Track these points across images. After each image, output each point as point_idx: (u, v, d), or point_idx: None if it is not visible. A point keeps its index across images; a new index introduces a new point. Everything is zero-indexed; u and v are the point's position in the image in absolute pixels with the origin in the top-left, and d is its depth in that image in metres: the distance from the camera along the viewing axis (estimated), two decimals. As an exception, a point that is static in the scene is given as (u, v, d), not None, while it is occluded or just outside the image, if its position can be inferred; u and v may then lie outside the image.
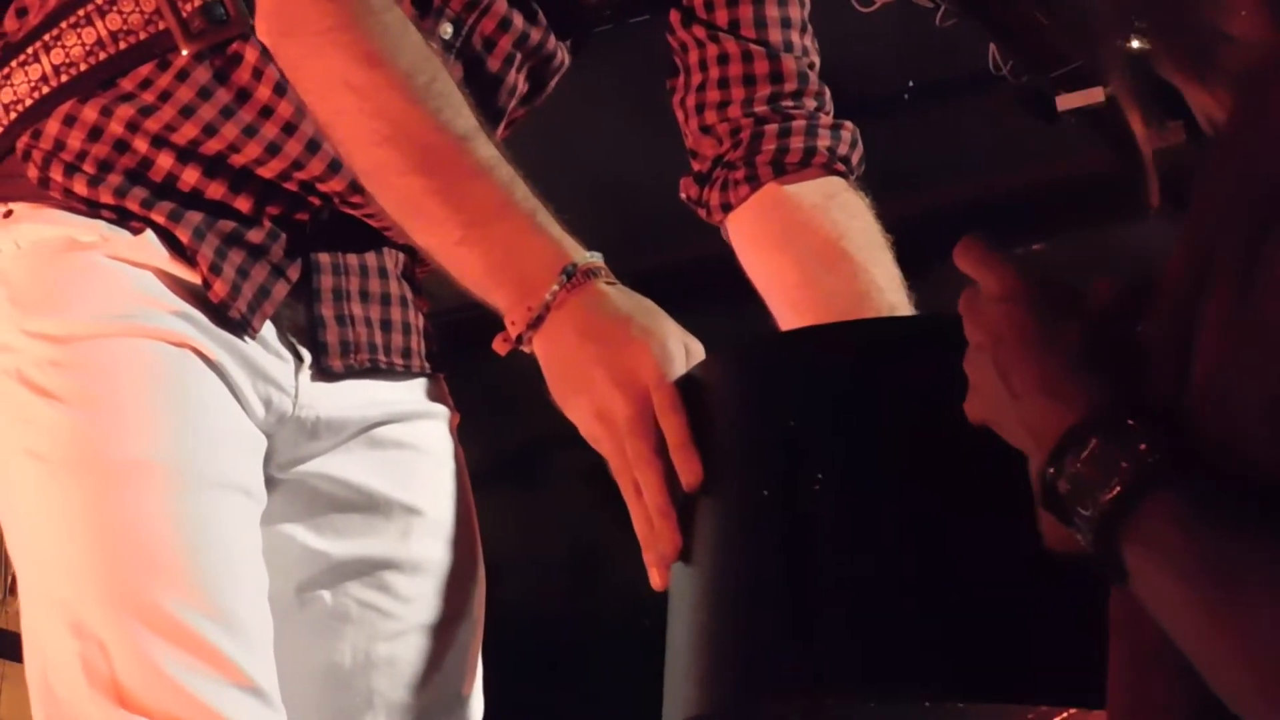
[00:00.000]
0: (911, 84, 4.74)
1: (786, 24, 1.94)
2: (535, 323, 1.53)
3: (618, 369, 1.48)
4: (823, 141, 1.89)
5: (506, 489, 4.80)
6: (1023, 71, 4.61)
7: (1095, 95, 4.56)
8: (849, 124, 1.93)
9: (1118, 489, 1.02)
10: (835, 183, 1.90)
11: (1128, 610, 1.05)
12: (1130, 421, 1.03)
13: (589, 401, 1.49)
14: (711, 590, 1.44)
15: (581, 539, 4.97)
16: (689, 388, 1.48)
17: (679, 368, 1.48)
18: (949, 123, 4.67)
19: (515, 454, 4.99)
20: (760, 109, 1.90)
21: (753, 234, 1.91)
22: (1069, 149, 4.78)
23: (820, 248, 1.86)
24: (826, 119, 1.92)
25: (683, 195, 1.97)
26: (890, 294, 1.82)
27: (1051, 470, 1.06)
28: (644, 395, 1.47)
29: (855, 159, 1.91)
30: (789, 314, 1.87)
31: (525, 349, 1.55)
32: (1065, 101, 4.60)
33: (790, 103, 1.91)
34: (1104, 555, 1.03)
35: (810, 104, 1.92)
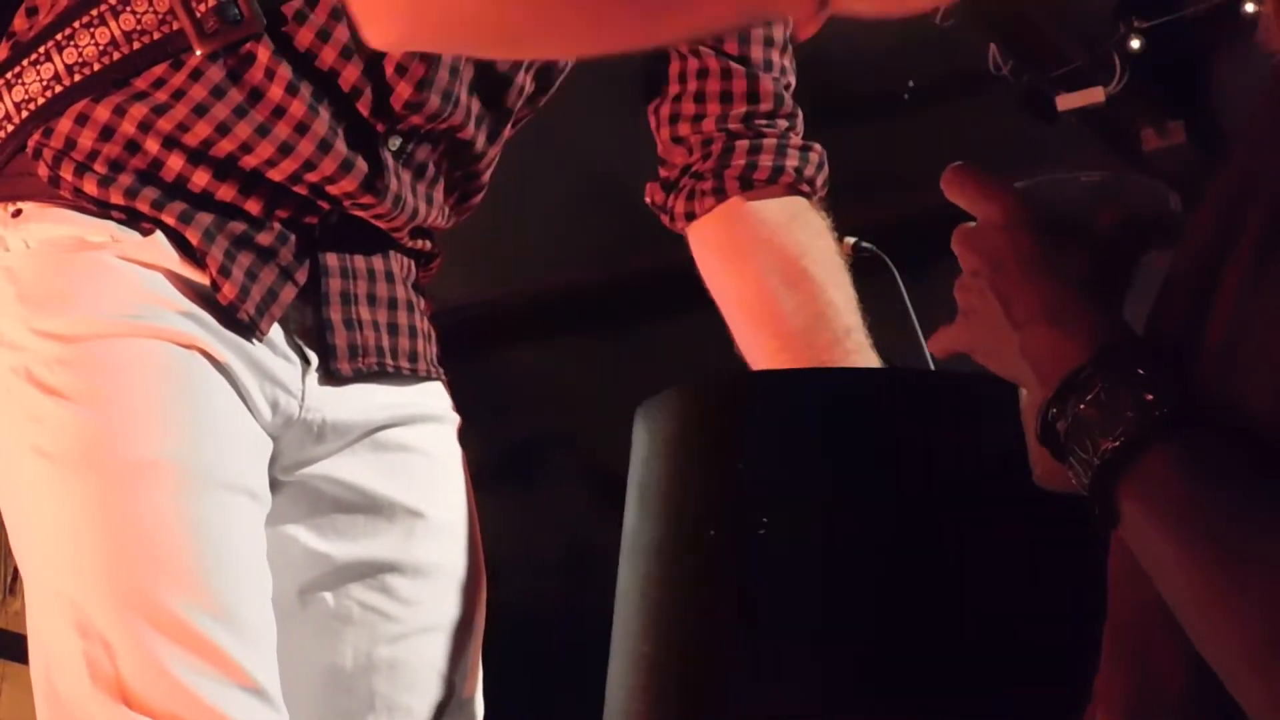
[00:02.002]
0: (911, 84, 4.73)
1: (769, 43, 1.96)
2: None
3: None
4: (791, 162, 1.92)
5: (504, 490, 4.80)
6: (1023, 71, 4.61)
7: (1095, 95, 4.56)
8: (818, 146, 1.96)
9: (1120, 439, 1.01)
10: (799, 202, 1.93)
11: (1127, 562, 1.04)
12: (1140, 370, 1.02)
13: None
14: (656, 622, 1.46)
15: (578, 539, 4.96)
16: (645, 420, 1.50)
17: None
18: (949, 123, 4.66)
19: (513, 454, 4.99)
20: (734, 125, 1.93)
21: (715, 245, 1.94)
22: (1069, 149, 4.77)
23: (781, 265, 1.89)
24: (797, 140, 1.95)
25: (648, 200, 2.00)
26: (847, 315, 1.85)
27: (1054, 409, 1.05)
28: None
29: (820, 181, 1.95)
30: (746, 328, 1.90)
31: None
32: (1065, 101, 4.60)
33: (764, 121, 1.94)
34: (1099, 500, 1.03)
35: (782, 124, 1.95)
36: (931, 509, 1.40)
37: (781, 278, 1.88)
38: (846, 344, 1.84)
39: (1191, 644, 0.99)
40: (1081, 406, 1.03)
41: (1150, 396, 1.01)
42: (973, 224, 1.15)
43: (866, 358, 1.85)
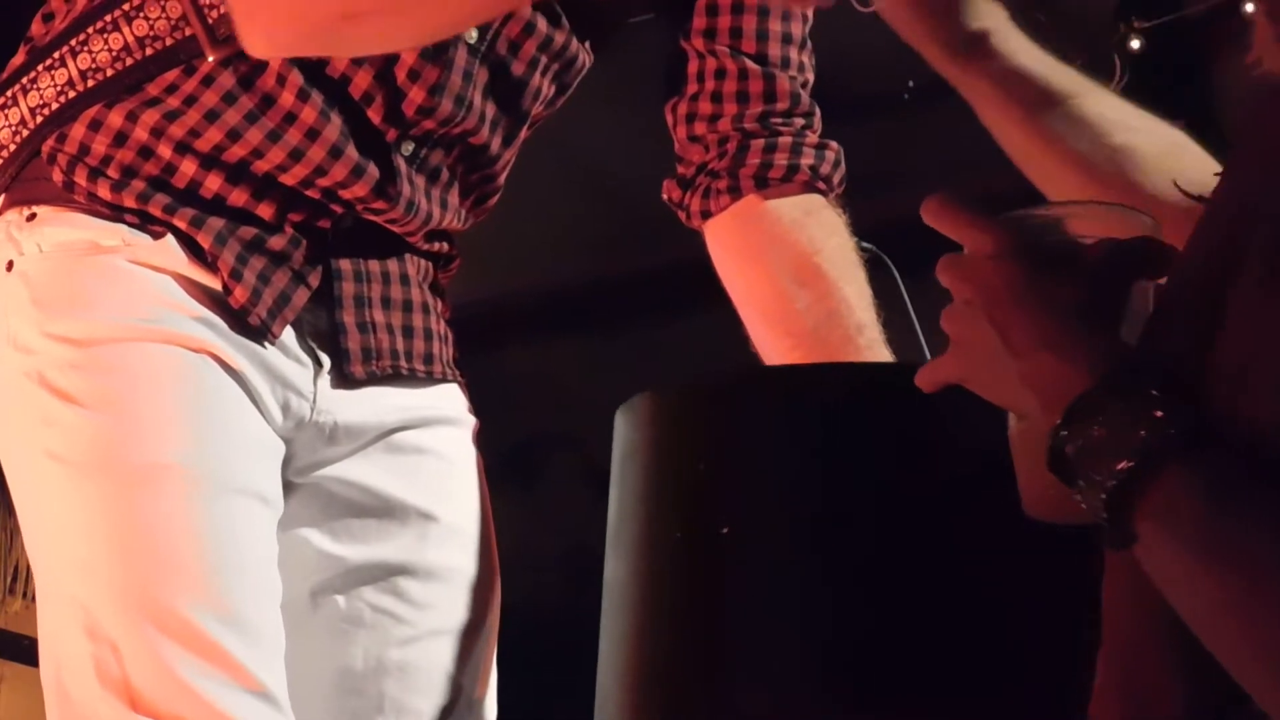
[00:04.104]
0: (911, 84, 4.73)
1: (787, 40, 1.96)
2: None
3: None
4: (806, 160, 1.93)
5: (506, 489, 4.79)
6: (1023, 72, 4.60)
7: (1095, 95, 4.55)
8: (834, 144, 1.96)
9: (1135, 458, 1.01)
10: (815, 200, 1.93)
11: (1123, 588, 1.05)
12: (1152, 390, 1.02)
13: None
14: (633, 625, 1.47)
15: (578, 539, 4.96)
16: (623, 421, 1.50)
17: None
18: (949, 123, 4.65)
19: (512, 454, 4.99)
20: (750, 125, 1.94)
21: (731, 243, 1.94)
22: (1069, 149, 4.76)
23: (796, 262, 1.90)
24: (813, 137, 1.95)
25: (664, 197, 2.00)
26: (860, 311, 1.86)
27: (1064, 433, 1.05)
28: None
29: (836, 179, 1.95)
30: (760, 325, 1.91)
31: None
32: (1065, 101, 4.59)
33: (780, 120, 1.95)
34: (1113, 522, 1.03)
35: (799, 122, 1.96)
36: (914, 505, 1.40)
37: (794, 275, 1.89)
38: (859, 341, 1.85)
39: (1184, 670, 1.00)
40: (1094, 429, 1.03)
41: (1161, 415, 1.01)
42: (959, 254, 1.16)
43: (879, 354, 1.86)
